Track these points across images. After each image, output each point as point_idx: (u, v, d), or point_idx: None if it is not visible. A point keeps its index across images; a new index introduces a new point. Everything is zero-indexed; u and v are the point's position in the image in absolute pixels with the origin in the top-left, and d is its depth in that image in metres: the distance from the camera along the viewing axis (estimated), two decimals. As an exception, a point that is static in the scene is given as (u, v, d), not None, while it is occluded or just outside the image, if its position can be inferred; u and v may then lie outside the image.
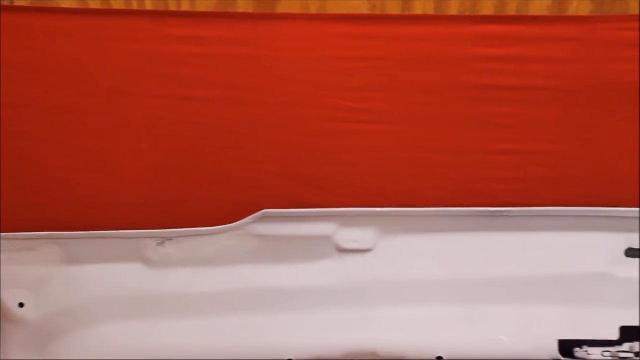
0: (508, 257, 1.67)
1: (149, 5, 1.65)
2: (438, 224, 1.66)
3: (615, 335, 1.64)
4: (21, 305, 1.68)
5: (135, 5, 1.65)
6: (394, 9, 1.66)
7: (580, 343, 1.65)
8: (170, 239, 1.69)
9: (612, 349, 1.64)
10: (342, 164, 1.68)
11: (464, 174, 1.66)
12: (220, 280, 1.70)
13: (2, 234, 1.67)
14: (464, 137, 1.65)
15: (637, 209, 1.63)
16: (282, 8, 1.67)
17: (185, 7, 1.67)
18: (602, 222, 1.64)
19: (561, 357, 1.64)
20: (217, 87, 1.64)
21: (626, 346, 1.64)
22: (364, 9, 1.66)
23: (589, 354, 1.63)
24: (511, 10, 1.64)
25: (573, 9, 1.64)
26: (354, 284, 1.69)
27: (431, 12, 1.66)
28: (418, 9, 1.65)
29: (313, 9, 1.66)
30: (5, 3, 1.59)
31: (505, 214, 1.64)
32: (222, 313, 1.71)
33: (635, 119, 1.62)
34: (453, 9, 1.65)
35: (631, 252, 1.66)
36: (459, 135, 1.65)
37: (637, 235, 1.65)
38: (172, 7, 1.67)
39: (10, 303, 1.68)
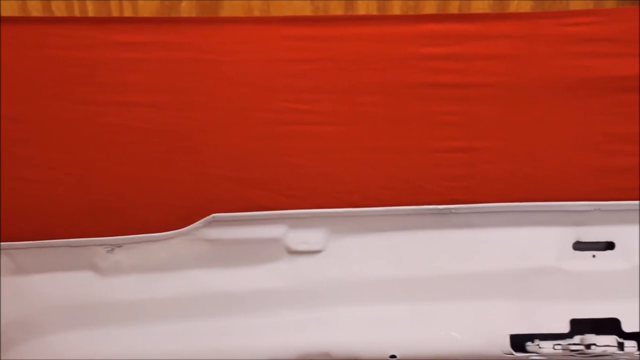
0: (458, 254, 1.67)
1: (91, 12, 1.65)
2: (387, 222, 1.66)
3: (565, 328, 1.64)
4: (-31, 318, 1.67)
5: (77, 12, 1.64)
6: (337, 9, 1.67)
7: (532, 337, 1.65)
8: (120, 245, 1.68)
9: (563, 342, 1.64)
10: (291, 166, 1.68)
11: (411, 172, 1.67)
12: (171, 286, 1.69)
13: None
14: (410, 135, 1.65)
15: (584, 203, 1.63)
16: (226, 12, 1.67)
17: (127, 12, 1.66)
18: (549, 217, 1.65)
19: (513, 352, 1.64)
20: (163, 93, 1.64)
21: (577, 338, 1.65)
22: (307, 11, 1.67)
23: (540, 348, 1.64)
24: (453, 8, 1.66)
25: (514, 6, 1.66)
26: (306, 285, 1.68)
27: (374, 12, 1.66)
28: (361, 10, 1.66)
29: (256, 12, 1.67)
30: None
31: (454, 211, 1.64)
32: (174, 318, 1.70)
33: (579, 114, 1.64)
34: (396, 9, 1.66)
35: (579, 245, 1.67)
36: (405, 133, 1.65)
37: (585, 228, 1.66)
38: (115, 13, 1.66)
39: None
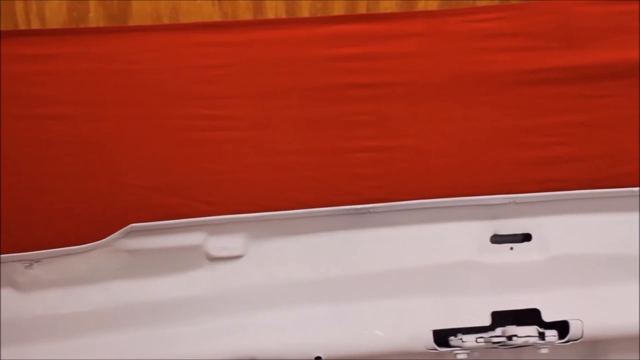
0: (377, 252, 1.68)
1: (-3, 25, 1.63)
2: (306, 224, 1.66)
3: (487, 321, 1.65)
4: None
5: (-18, 26, 1.63)
6: (246, 14, 1.66)
7: (455, 331, 1.66)
8: (38, 260, 1.66)
9: (485, 335, 1.65)
10: (208, 172, 1.68)
11: (327, 173, 1.67)
12: (92, 299, 1.68)
13: None
14: (324, 137, 1.66)
15: (499, 196, 1.65)
16: (134, 21, 1.66)
17: (35, 25, 1.65)
18: (466, 211, 1.67)
19: (437, 347, 1.65)
20: (74, 104, 1.63)
21: (498, 331, 1.66)
22: (216, 17, 1.66)
23: (463, 342, 1.65)
24: (362, 9, 1.66)
25: (422, 5, 1.67)
26: (228, 291, 1.68)
27: (283, 15, 1.67)
28: (270, 13, 1.66)
29: (165, 20, 1.66)
30: None
31: (371, 210, 1.65)
32: (96, 332, 1.69)
33: (490, 108, 1.65)
34: (304, 11, 1.66)
35: (496, 239, 1.69)
36: (319, 135, 1.66)
37: (502, 221, 1.67)
38: (22, 25, 1.65)
39: None
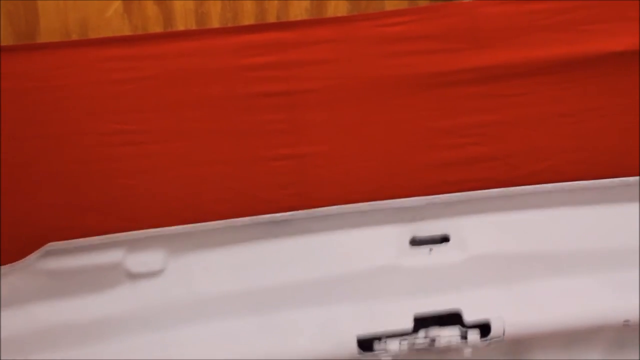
0: (299, 261, 1.68)
1: None
2: (226, 236, 1.66)
3: (410, 325, 1.66)
4: None
5: None
6: (155, 27, 1.65)
7: (379, 336, 1.66)
8: (-47, 286, 1.64)
9: (409, 338, 1.66)
10: (125, 188, 1.66)
11: (245, 183, 1.67)
12: (12, 323, 1.65)
13: None
14: (241, 147, 1.65)
15: (416, 198, 1.65)
16: (43, 38, 1.64)
17: (-59, 46, 1.62)
18: (384, 215, 1.67)
19: (361, 353, 1.65)
20: (-15, 124, 1.60)
21: (421, 333, 1.67)
22: (125, 31, 1.65)
23: (387, 346, 1.65)
24: (272, 17, 1.66)
25: (331, 10, 1.67)
26: (149, 307, 1.67)
27: (193, 26, 1.66)
28: (180, 25, 1.65)
29: (74, 36, 1.64)
30: None
31: (290, 218, 1.65)
32: (18, 355, 1.66)
33: (404, 111, 1.66)
34: (215, 22, 1.66)
35: (415, 241, 1.69)
36: (236, 145, 1.65)
37: (420, 223, 1.68)
38: None
39: None
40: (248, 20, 1.65)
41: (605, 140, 1.68)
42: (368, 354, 1.66)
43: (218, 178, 1.66)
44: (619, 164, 1.69)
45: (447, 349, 1.68)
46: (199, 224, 1.65)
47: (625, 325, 1.70)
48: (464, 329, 1.67)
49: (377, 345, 1.67)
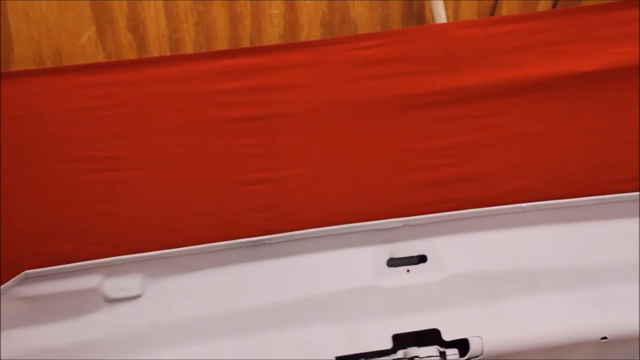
0: (276, 283, 1.68)
1: None
2: (203, 260, 1.66)
3: (388, 344, 1.67)
4: None
5: None
6: (129, 53, 1.66)
7: (358, 356, 1.67)
8: None
9: (388, 358, 1.67)
10: (101, 214, 1.66)
11: (221, 208, 1.67)
12: (-9, 349, 1.65)
13: None
14: (216, 171, 1.66)
15: (392, 220, 1.66)
16: (17, 66, 1.65)
17: None
18: (362, 237, 1.68)
19: (341, 373, 1.66)
20: (-40, 153, 1.61)
21: (400, 353, 1.67)
22: (100, 58, 1.66)
23: (366, 367, 1.66)
24: (245, 42, 1.67)
25: (304, 35, 1.68)
26: (128, 332, 1.67)
27: (167, 52, 1.67)
28: (154, 51, 1.66)
29: (49, 63, 1.65)
30: None
31: (267, 241, 1.65)
32: (-4, 382, 1.66)
33: (379, 134, 1.67)
34: (188, 48, 1.67)
35: (393, 262, 1.70)
36: (211, 170, 1.66)
37: (397, 244, 1.69)
38: None
39: None
40: (222, 45, 1.66)
41: (578, 159, 1.70)
42: (347, 375, 1.67)
43: (195, 203, 1.67)
44: (591, 183, 1.70)
45: (427, 369, 1.68)
46: (176, 249, 1.65)
47: (603, 341, 1.71)
48: (442, 348, 1.67)
49: (356, 366, 1.67)
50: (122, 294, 1.66)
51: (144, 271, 1.66)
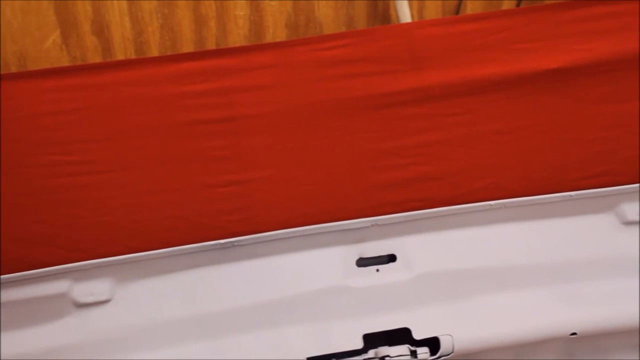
0: (246, 285, 1.68)
1: None
2: (173, 263, 1.66)
3: (359, 344, 1.67)
4: None
5: None
6: (94, 57, 1.66)
7: (329, 357, 1.67)
8: None
9: (359, 358, 1.67)
10: (70, 218, 1.66)
11: (190, 210, 1.67)
12: (-41, 357, 1.65)
13: None
14: (184, 174, 1.66)
15: (361, 220, 1.67)
16: (-19, 71, 1.64)
17: None
18: (331, 237, 1.68)
19: (312, 374, 1.66)
20: None
21: (371, 352, 1.68)
22: (64, 62, 1.65)
23: (337, 367, 1.66)
24: (211, 44, 1.67)
25: (270, 36, 1.68)
26: (98, 337, 1.66)
27: (132, 56, 1.66)
28: (119, 55, 1.66)
29: (13, 68, 1.64)
30: None
31: (236, 243, 1.66)
32: (-33, 389, 1.65)
33: (347, 134, 1.67)
34: (154, 51, 1.66)
35: (362, 262, 1.70)
36: (179, 173, 1.66)
37: (366, 244, 1.70)
38: None
39: None
40: (187, 48, 1.66)
41: (544, 156, 1.70)
42: (319, 375, 1.67)
43: (163, 206, 1.67)
44: (558, 179, 1.71)
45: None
46: (145, 252, 1.65)
47: (573, 337, 1.72)
48: (413, 347, 1.67)
49: (327, 366, 1.67)
50: (91, 299, 1.66)
51: (113, 275, 1.66)
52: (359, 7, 1.71)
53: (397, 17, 1.71)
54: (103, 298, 1.66)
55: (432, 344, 1.69)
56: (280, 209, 1.68)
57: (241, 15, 1.67)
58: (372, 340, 1.68)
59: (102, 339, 1.68)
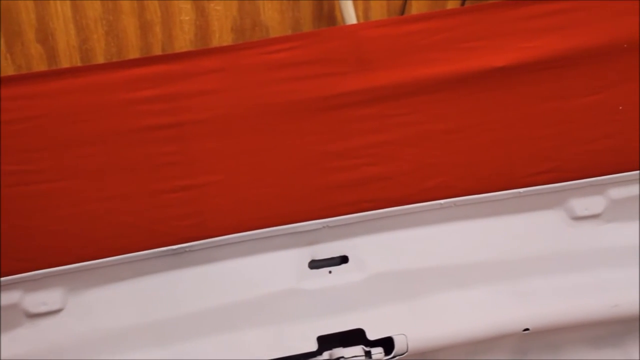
0: (200, 290, 1.69)
1: None
2: (125, 270, 1.66)
3: (314, 346, 1.67)
4: None
5: None
6: (40, 65, 1.65)
7: (284, 360, 1.68)
8: None
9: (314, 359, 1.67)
10: (19, 228, 1.65)
11: (141, 217, 1.66)
12: None
13: None
14: (134, 181, 1.65)
15: (312, 222, 1.67)
16: None
17: None
18: (282, 240, 1.69)
19: (268, 377, 1.67)
20: None
21: (325, 354, 1.69)
22: (9, 71, 1.64)
23: (292, 370, 1.66)
24: (157, 50, 1.67)
25: (216, 41, 1.67)
26: (50, 347, 1.66)
27: (78, 63, 1.65)
28: (64, 62, 1.65)
29: (-43, 78, 1.62)
30: None
31: (188, 249, 1.65)
32: None
33: (295, 136, 1.67)
34: (100, 58, 1.65)
35: (315, 264, 1.71)
36: (129, 180, 1.65)
37: (318, 246, 1.70)
38: None
39: None
40: (133, 54, 1.65)
41: (492, 153, 1.71)
42: (274, 378, 1.67)
43: (114, 213, 1.66)
44: (506, 177, 1.72)
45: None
46: (96, 260, 1.65)
47: (526, 333, 1.73)
48: (367, 348, 1.68)
49: (282, 369, 1.68)
50: (43, 309, 1.65)
51: (64, 284, 1.66)
52: (304, 9, 1.72)
53: (343, 18, 1.71)
54: (55, 307, 1.66)
55: (387, 344, 1.70)
56: (232, 213, 1.68)
57: (187, 20, 1.67)
58: (327, 342, 1.69)
59: (55, 349, 1.67)
